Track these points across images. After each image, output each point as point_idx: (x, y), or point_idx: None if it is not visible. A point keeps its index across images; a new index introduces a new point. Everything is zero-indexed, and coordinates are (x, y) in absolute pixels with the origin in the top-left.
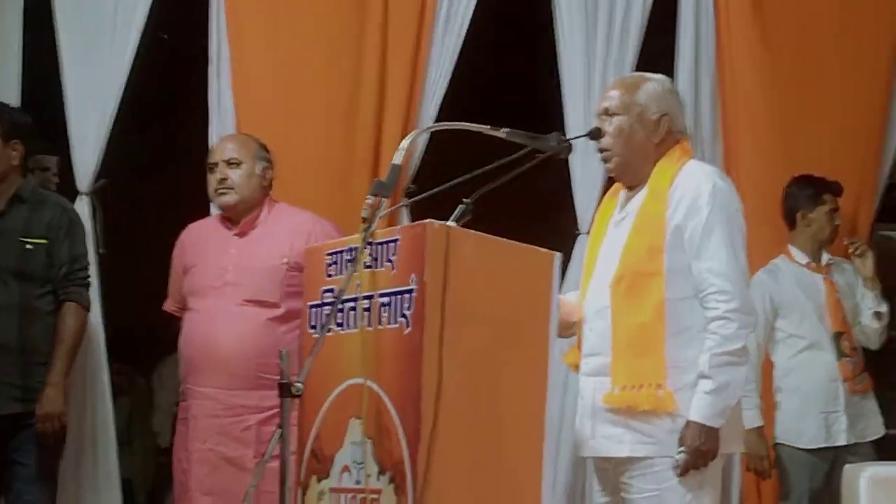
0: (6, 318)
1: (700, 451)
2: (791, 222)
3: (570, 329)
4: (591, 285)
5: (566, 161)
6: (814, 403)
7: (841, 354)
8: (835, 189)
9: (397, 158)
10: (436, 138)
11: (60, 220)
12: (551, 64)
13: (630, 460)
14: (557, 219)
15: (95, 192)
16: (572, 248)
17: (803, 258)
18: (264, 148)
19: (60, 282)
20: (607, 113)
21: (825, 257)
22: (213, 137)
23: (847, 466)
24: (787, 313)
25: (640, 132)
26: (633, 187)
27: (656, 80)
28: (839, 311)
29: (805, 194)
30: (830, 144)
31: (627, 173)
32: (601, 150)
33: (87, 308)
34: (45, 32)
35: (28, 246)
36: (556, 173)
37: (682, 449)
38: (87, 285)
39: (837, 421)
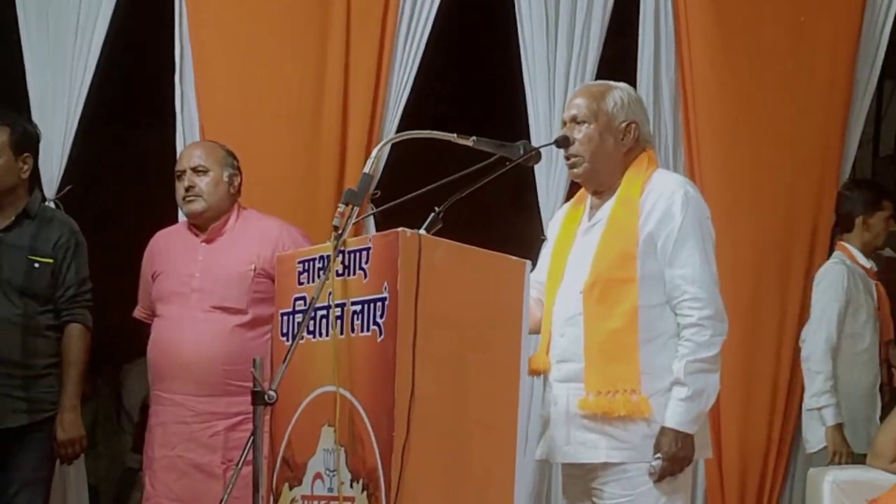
0: (10, 333)
1: (677, 457)
2: (847, 226)
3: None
4: (561, 292)
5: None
6: (861, 408)
7: (885, 361)
8: (892, 195)
9: (368, 167)
10: (398, 146)
11: (68, 240)
12: (514, 71)
13: (603, 466)
14: (513, 221)
15: (61, 199)
16: (535, 252)
17: (865, 261)
18: (231, 155)
19: (66, 303)
20: (575, 121)
21: (870, 264)
22: (180, 144)
23: (811, 471)
24: (854, 311)
25: (609, 140)
26: (600, 194)
27: (622, 88)
28: (889, 320)
29: (865, 199)
30: (792, 149)
31: (595, 180)
32: (569, 157)
33: (91, 330)
34: (9, 40)
35: (35, 265)
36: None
37: (658, 455)
38: (91, 307)
39: (874, 426)
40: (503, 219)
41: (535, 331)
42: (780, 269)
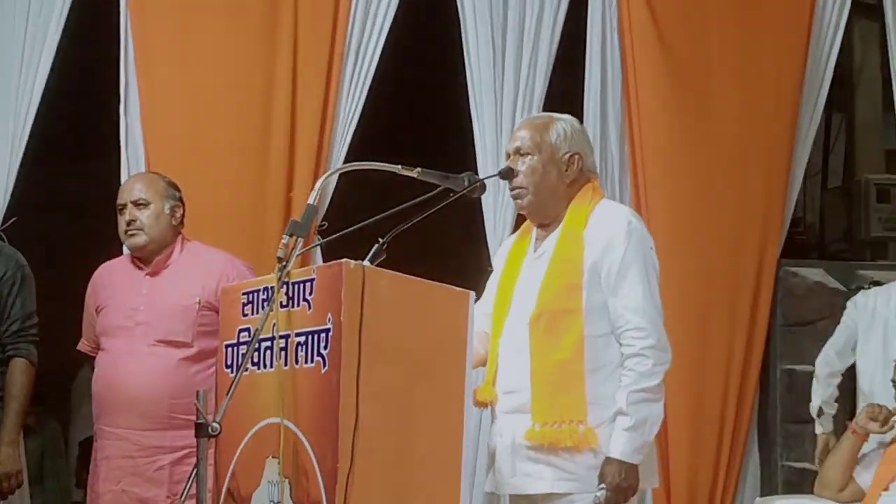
0: None
1: (621, 487)
2: None
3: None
4: (507, 323)
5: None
6: None
7: None
8: None
9: (312, 198)
10: (345, 177)
11: (14, 275)
12: (461, 103)
13: (549, 496)
14: (463, 253)
15: (5, 231)
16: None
17: None
18: (173, 185)
19: (11, 337)
20: (518, 153)
21: None
22: (125, 175)
23: (758, 500)
24: None
25: (552, 172)
26: (545, 226)
27: (565, 120)
28: None
29: None
30: (738, 181)
31: (540, 212)
32: (513, 189)
33: (35, 365)
34: None
35: None
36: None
37: (602, 486)
38: (37, 342)
39: None
40: (453, 251)
41: (480, 364)
42: (727, 299)
